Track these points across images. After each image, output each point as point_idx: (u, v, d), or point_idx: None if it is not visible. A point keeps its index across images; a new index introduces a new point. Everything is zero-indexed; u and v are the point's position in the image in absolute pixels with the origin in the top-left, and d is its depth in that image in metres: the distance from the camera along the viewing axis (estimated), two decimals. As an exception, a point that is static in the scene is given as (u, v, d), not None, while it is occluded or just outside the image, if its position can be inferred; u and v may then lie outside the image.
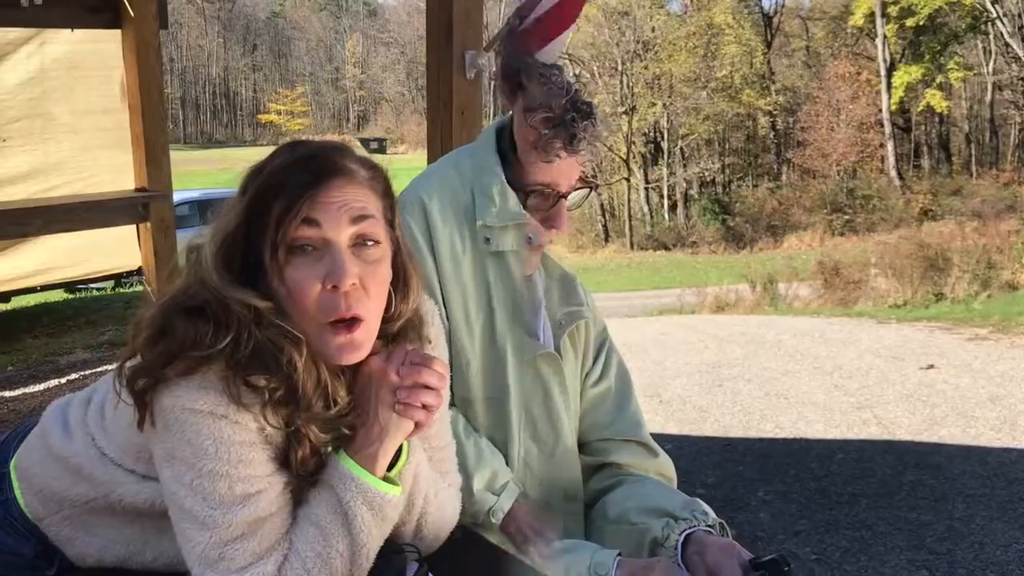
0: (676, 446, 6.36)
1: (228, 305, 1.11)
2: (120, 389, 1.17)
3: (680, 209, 36.45)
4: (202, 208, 13.16)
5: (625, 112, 35.04)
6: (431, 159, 3.55)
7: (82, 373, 5.94)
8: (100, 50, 6.18)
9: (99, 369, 5.89)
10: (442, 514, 1.36)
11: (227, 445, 1.11)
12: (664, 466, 1.92)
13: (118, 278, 8.33)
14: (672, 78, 36.57)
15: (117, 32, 5.77)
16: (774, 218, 33.45)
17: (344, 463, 1.17)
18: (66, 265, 6.78)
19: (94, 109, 6.33)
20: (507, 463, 1.84)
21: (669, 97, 36.75)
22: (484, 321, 1.79)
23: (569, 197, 1.67)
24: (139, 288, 9.02)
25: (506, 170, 1.77)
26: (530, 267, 1.76)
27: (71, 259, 6.74)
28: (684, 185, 37.58)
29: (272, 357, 1.12)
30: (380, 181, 1.22)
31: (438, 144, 3.52)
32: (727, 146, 39.71)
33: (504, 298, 1.79)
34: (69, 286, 8.57)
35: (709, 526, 1.62)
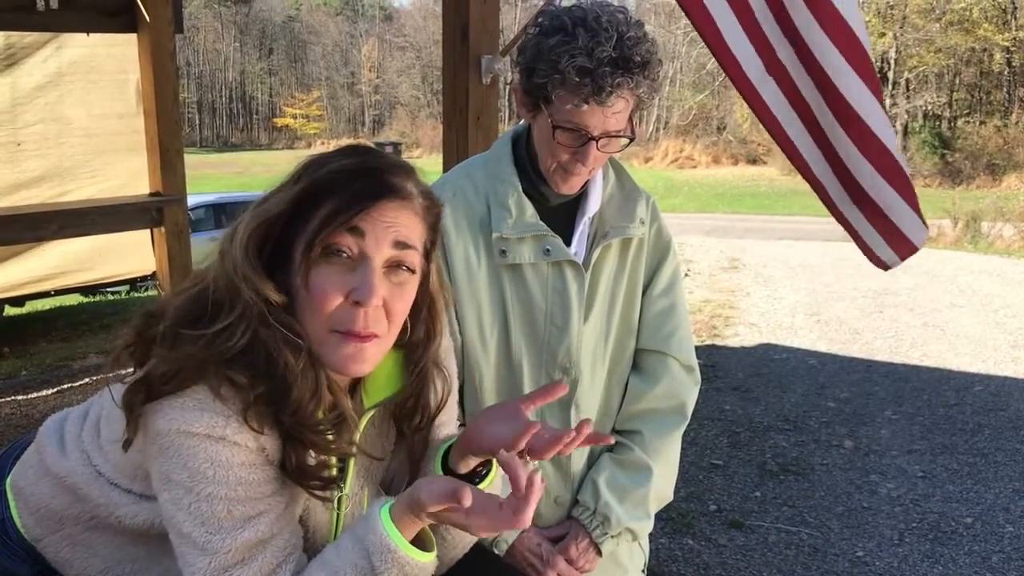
0: (820, 362, 6.80)
1: (238, 289, 1.07)
2: (109, 402, 1.15)
3: (899, 141, 35.84)
4: (217, 212, 13.17)
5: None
6: (446, 163, 3.52)
7: (95, 378, 5.95)
8: (116, 54, 6.20)
9: (112, 375, 5.89)
10: (464, 535, 1.32)
11: (225, 467, 1.07)
12: (682, 390, 1.87)
13: (133, 282, 8.34)
14: (906, 8, 35.41)
15: (133, 36, 5.77)
16: (996, 156, 32.37)
17: (385, 525, 1.08)
18: (80, 269, 6.79)
19: (109, 113, 6.34)
20: None
21: (900, 27, 35.81)
22: (499, 337, 1.74)
23: (602, 143, 1.59)
24: (153, 292, 9.03)
25: (522, 180, 1.72)
26: (571, 188, 1.69)
27: (85, 263, 6.75)
28: (906, 117, 36.72)
29: (264, 357, 1.08)
30: (433, 213, 1.19)
31: (453, 148, 3.49)
32: (958, 80, 38.64)
33: (521, 313, 1.73)
34: (84, 290, 8.57)
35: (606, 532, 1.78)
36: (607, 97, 1.53)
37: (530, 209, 1.70)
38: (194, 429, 1.06)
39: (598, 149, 1.60)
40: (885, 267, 3.07)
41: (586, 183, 1.74)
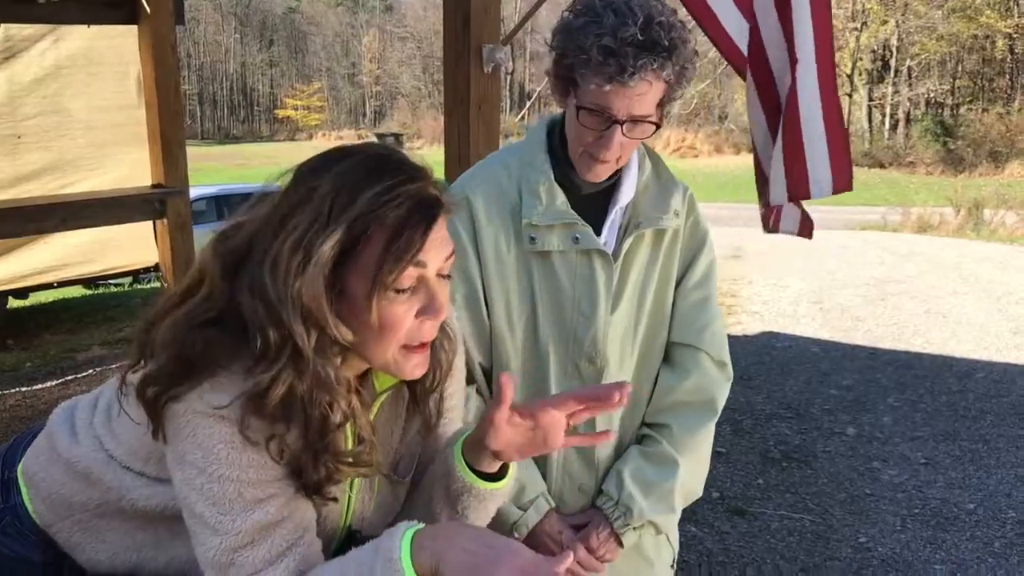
0: (822, 350, 6.82)
1: (292, 336, 1.05)
2: (124, 401, 1.15)
3: (901, 129, 35.83)
4: (219, 204, 13.14)
5: (856, 28, 34.39)
6: (448, 154, 3.53)
7: (99, 369, 5.97)
8: (116, 46, 6.19)
9: (116, 365, 5.91)
10: None
11: (239, 449, 1.08)
12: (713, 385, 1.85)
13: (136, 274, 8.35)
14: (909, -5, 35.33)
15: (133, 28, 5.78)
16: (999, 144, 32.31)
17: (402, 540, 1.06)
18: (83, 261, 6.80)
19: (110, 105, 6.34)
20: (545, 472, 1.80)
21: (903, 15, 35.74)
22: (526, 323, 1.74)
23: (627, 128, 1.57)
24: (156, 284, 9.04)
25: (555, 168, 1.71)
26: (596, 176, 1.68)
27: (88, 255, 6.77)
28: (908, 105, 36.81)
29: (303, 403, 1.08)
30: (452, 204, 1.17)
31: (455, 138, 3.49)
32: (960, 67, 38.65)
33: (548, 300, 1.73)
34: (86, 282, 8.58)
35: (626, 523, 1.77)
36: (630, 78, 1.51)
37: (561, 197, 1.69)
38: (210, 410, 1.07)
39: (623, 134, 1.59)
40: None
41: (619, 172, 1.73)
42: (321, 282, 1.05)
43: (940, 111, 37.68)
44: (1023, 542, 3.73)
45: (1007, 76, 38.60)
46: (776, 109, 2.76)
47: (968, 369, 6.18)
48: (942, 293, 8.77)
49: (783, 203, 2.78)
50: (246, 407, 1.06)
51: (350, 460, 1.15)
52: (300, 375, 1.07)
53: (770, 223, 2.91)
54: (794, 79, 2.63)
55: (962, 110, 37.46)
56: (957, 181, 26.09)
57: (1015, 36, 36.58)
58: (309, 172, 1.11)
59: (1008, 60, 38.15)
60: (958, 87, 38.99)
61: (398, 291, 1.08)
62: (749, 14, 2.82)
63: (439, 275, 1.13)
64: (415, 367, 1.15)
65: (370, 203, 1.06)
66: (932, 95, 38.17)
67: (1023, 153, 31.67)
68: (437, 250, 1.10)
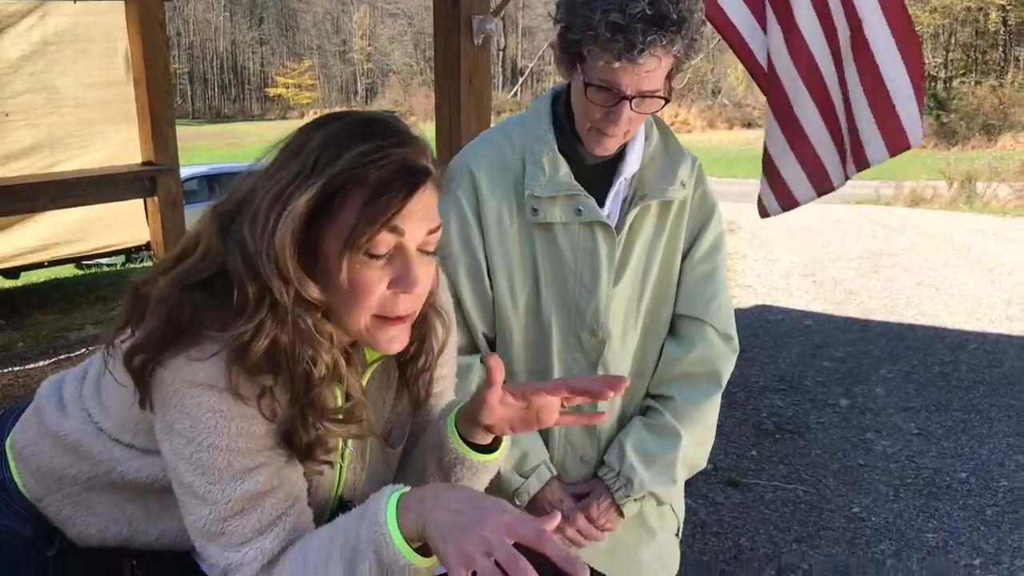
0: (816, 322, 6.84)
1: (270, 288, 1.03)
2: (110, 362, 1.13)
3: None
4: (210, 183, 13.09)
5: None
6: (439, 126, 3.51)
7: (91, 348, 5.94)
8: (103, 22, 6.13)
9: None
10: None
11: (228, 418, 1.07)
12: (718, 358, 1.86)
13: (127, 253, 8.31)
14: (902, -35, 35.54)
15: (121, 4, 5.70)
16: (992, 117, 32.42)
17: (388, 503, 1.04)
18: (73, 240, 6.77)
19: (98, 82, 6.28)
20: (547, 440, 1.80)
21: None
22: (529, 295, 1.74)
23: (636, 103, 1.55)
24: (149, 264, 9.02)
25: (559, 139, 1.70)
26: (605, 150, 1.66)
27: (78, 234, 6.73)
28: (901, 78, 36.97)
29: (287, 356, 1.06)
30: (443, 180, 1.15)
31: (446, 112, 3.47)
32: (953, 40, 38.70)
33: (551, 272, 1.72)
34: (77, 261, 8.54)
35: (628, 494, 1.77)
36: (639, 55, 1.48)
37: (564, 168, 1.68)
38: (198, 379, 1.05)
39: (632, 109, 1.56)
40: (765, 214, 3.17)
41: (624, 143, 1.71)
42: (289, 236, 1.03)
43: (933, 84, 37.61)
44: (1014, 510, 3.75)
45: (1000, 48, 38.55)
46: (823, 89, 2.77)
47: (960, 340, 6.20)
48: (935, 265, 8.79)
49: (886, 159, 2.84)
50: (230, 361, 1.04)
51: (340, 417, 1.13)
52: (282, 327, 1.05)
53: (844, 178, 2.98)
54: (866, 41, 2.62)
55: (955, 83, 37.44)
56: (950, 154, 26.11)
57: (1008, 8, 36.46)
58: (304, 132, 1.10)
59: (1001, 32, 38.08)
60: (951, 60, 38.94)
61: (371, 256, 1.06)
62: (761, 19, 2.82)
63: (420, 250, 1.10)
64: (390, 340, 1.12)
65: (353, 160, 1.04)
66: (925, 68, 38.19)
67: (1016, 126, 31.69)
68: (418, 221, 1.08)
